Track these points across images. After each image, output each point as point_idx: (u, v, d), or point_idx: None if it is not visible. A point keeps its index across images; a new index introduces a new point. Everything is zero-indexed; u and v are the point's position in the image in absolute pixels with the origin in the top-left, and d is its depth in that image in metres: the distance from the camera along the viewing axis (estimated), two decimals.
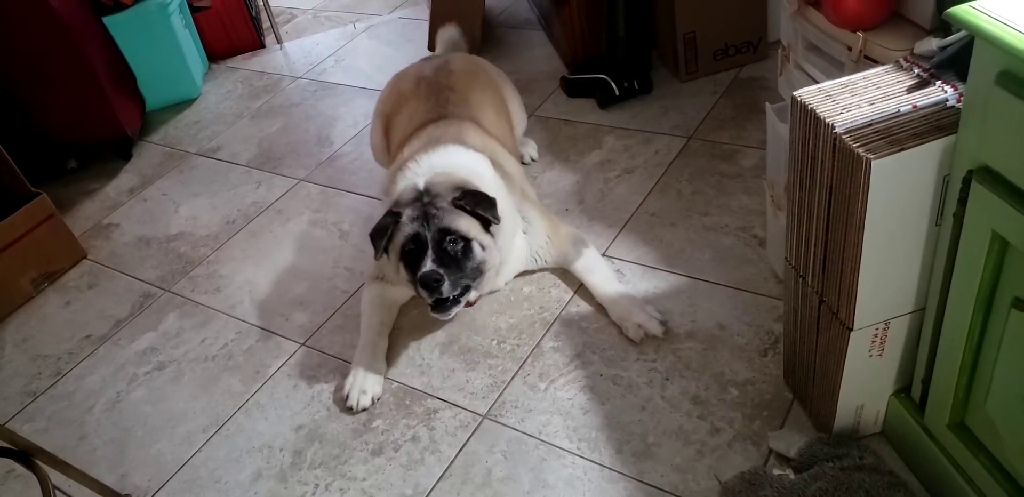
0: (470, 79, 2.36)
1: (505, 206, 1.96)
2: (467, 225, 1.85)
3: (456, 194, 1.87)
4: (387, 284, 2.07)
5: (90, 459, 1.87)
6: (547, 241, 2.09)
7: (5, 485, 1.87)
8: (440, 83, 2.30)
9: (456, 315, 1.94)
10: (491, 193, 1.91)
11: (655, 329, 1.87)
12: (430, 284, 1.76)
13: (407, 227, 1.84)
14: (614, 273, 2.05)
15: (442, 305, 1.83)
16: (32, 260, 2.43)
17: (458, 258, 1.83)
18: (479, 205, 1.86)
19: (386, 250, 1.90)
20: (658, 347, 1.86)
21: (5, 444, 1.47)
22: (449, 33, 2.84)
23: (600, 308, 1.98)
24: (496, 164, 2.09)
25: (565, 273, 2.11)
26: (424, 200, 1.87)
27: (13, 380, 2.16)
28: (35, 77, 2.78)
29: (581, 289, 2.06)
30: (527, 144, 2.59)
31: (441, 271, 1.77)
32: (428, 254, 1.80)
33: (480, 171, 2.00)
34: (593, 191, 2.39)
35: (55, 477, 1.51)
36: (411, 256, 1.84)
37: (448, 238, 1.83)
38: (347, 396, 1.87)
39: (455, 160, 2.01)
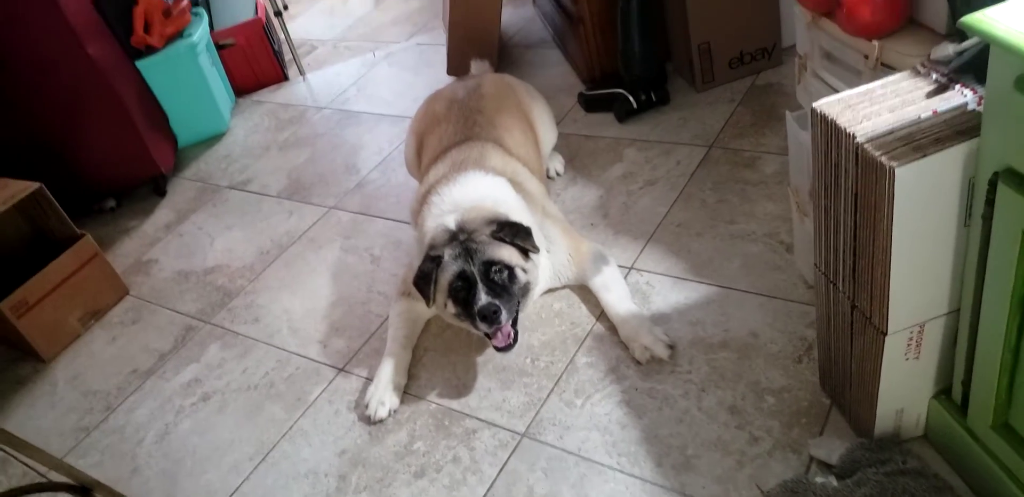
0: (499, 101, 2.43)
1: (530, 227, 1.99)
2: (508, 254, 1.90)
3: (493, 227, 1.92)
4: (414, 300, 2.11)
5: (143, 491, 1.92)
6: (568, 259, 2.12)
7: None
8: (470, 106, 2.39)
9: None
10: (520, 219, 1.97)
11: (661, 352, 1.88)
12: (489, 316, 1.81)
13: (451, 266, 1.88)
14: (630, 293, 2.06)
15: (497, 331, 1.86)
16: (79, 299, 2.50)
17: (506, 285, 1.89)
18: (517, 236, 1.92)
19: (433, 288, 1.94)
20: (692, 358, 1.87)
21: (67, 479, 1.52)
22: (483, 67, 2.92)
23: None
24: (516, 184, 2.13)
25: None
26: (460, 238, 1.92)
27: (67, 416, 2.22)
28: (73, 121, 2.86)
29: None
30: (554, 158, 2.63)
31: (496, 302, 1.82)
32: (480, 288, 1.84)
33: (503, 197, 2.05)
34: (617, 204, 2.41)
35: None
36: (460, 292, 1.88)
37: (494, 269, 1.88)
38: (366, 406, 1.95)
39: (477, 190, 2.05)
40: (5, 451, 2.04)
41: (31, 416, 2.25)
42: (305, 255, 2.60)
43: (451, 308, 1.91)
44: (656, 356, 1.88)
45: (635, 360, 1.90)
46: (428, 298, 1.92)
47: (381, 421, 1.93)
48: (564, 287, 2.17)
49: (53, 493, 1.92)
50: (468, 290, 1.86)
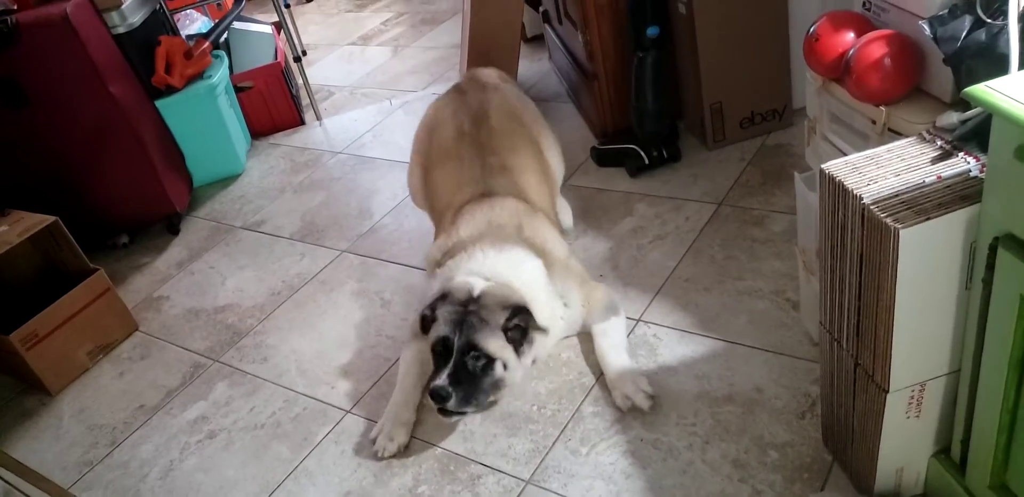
0: (509, 135, 2.39)
1: (548, 307, 2.03)
2: (496, 346, 1.89)
3: (506, 313, 1.91)
4: (425, 343, 2.12)
5: None
6: (581, 308, 2.15)
7: None
8: (481, 143, 2.34)
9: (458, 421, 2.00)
10: (543, 306, 2.01)
11: (641, 402, 1.91)
12: (435, 397, 1.83)
13: (441, 327, 1.91)
14: (627, 344, 2.08)
15: (446, 413, 1.88)
16: (89, 333, 2.53)
17: (476, 375, 1.87)
18: (524, 337, 1.94)
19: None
20: (697, 411, 1.89)
21: None
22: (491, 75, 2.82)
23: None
24: (545, 254, 2.12)
25: None
26: (469, 307, 1.91)
27: (71, 450, 2.23)
28: (91, 158, 2.93)
29: None
30: (564, 209, 2.60)
31: (450, 389, 1.82)
32: (447, 366, 1.85)
33: (534, 283, 2.04)
34: (626, 257, 2.46)
35: None
36: (437, 355, 1.91)
37: (472, 353, 1.87)
38: (374, 441, 1.97)
39: (516, 269, 2.03)
40: (7, 482, 2.05)
41: (35, 449, 2.26)
42: (316, 297, 2.64)
43: (433, 360, 1.96)
44: (636, 406, 1.91)
45: (617, 407, 1.94)
46: (424, 330, 2.00)
47: (391, 456, 1.94)
48: (575, 335, 2.20)
49: None
50: (443, 358, 1.89)
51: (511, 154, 2.35)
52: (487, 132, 2.38)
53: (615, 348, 2.05)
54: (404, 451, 1.96)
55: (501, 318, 1.90)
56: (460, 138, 2.39)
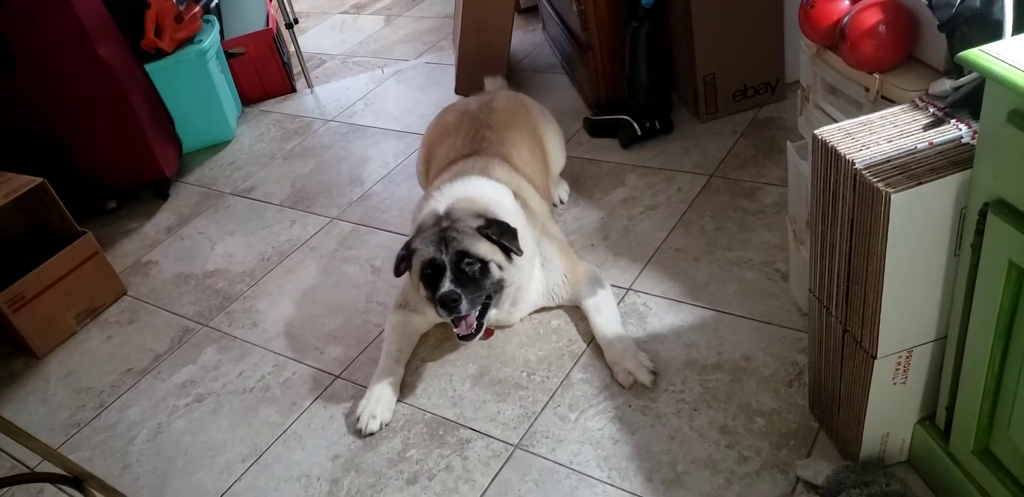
0: (509, 117, 2.46)
1: (525, 237, 2.03)
2: (486, 249, 1.93)
3: (481, 222, 1.96)
4: (411, 312, 2.14)
5: (133, 488, 1.92)
6: (563, 280, 2.15)
7: None
8: (480, 120, 2.42)
9: (479, 338, 1.99)
10: (511, 223, 2.00)
11: (644, 377, 1.91)
12: (448, 304, 1.85)
13: (424, 252, 1.93)
14: (620, 317, 2.09)
15: (460, 320, 1.91)
16: (76, 296, 2.52)
17: (476, 278, 1.92)
18: (503, 235, 1.95)
19: (408, 270, 2.01)
20: (686, 378, 1.90)
21: (60, 470, 1.53)
22: (497, 84, 2.97)
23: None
24: (519, 197, 2.17)
25: None
26: (443, 224, 1.96)
27: (58, 412, 2.23)
28: (80, 122, 2.90)
29: None
30: (560, 185, 2.65)
31: (459, 291, 1.85)
32: (446, 275, 1.88)
33: (501, 201, 2.09)
34: (618, 227, 2.46)
35: None
36: (429, 279, 1.93)
37: (465, 261, 1.91)
38: (357, 419, 1.96)
39: (476, 188, 2.11)
40: None
41: (22, 410, 2.26)
42: (306, 263, 2.63)
43: (422, 291, 1.97)
44: (639, 381, 1.91)
45: (618, 384, 1.93)
46: (396, 270, 2.00)
47: (371, 434, 1.94)
48: (557, 307, 2.20)
49: (39, 485, 1.95)
50: (436, 277, 1.90)
51: (507, 130, 2.40)
52: (488, 111, 2.46)
53: (611, 324, 2.05)
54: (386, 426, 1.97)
55: (476, 224, 1.95)
56: (462, 117, 2.48)
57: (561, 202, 2.62)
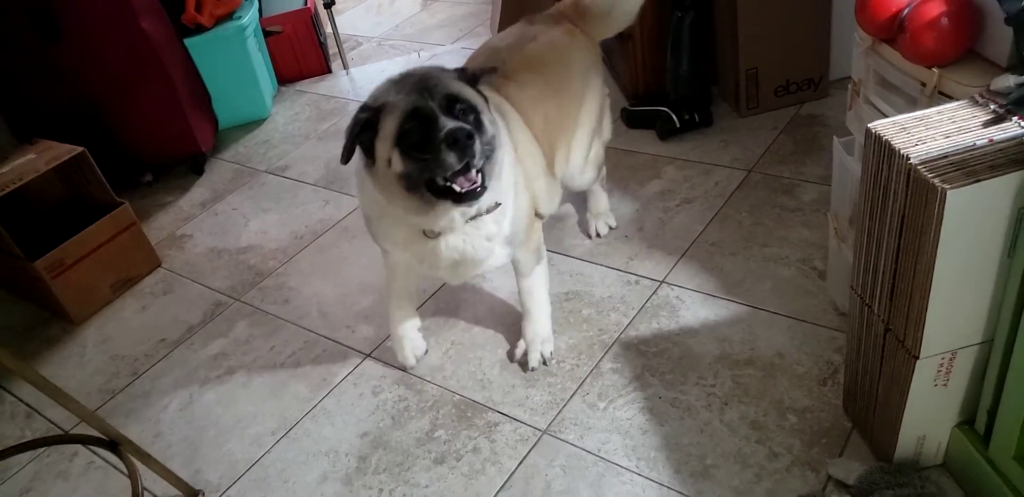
0: (538, 63, 1.99)
1: (504, 154, 1.66)
2: (472, 94, 1.58)
3: (455, 73, 1.61)
4: (386, 254, 1.94)
5: (165, 455, 1.94)
6: (525, 234, 1.88)
7: (86, 475, 1.95)
8: (502, 58, 1.97)
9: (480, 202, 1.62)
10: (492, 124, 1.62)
11: (533, 361, 2.01)
12: (462, 140, 1.44)
13: (400, 105, 1.49)
14: (549, 305, 2.06)
15: (458, 175, 1.51)
16: (113, 266, 2.54)
17: (471, 130, 1.48)
18: (483, 75, 1.63)
19: (368, 151, 1.56)
20: (717, 372, 1.89)
21: (97, 434, 1.55)
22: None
23: (657, 334, 2.03)
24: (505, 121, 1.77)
25: (625, 297, 2.16)
26: (414, 77, 1.56)
27: (94, 378, 2.26)
28: (121, 94, 2.92)
29: (640, 314, 2.10)
30: (602, 217, 2.41)
31: (467, 127, 1.46)
32: (440, 121, 1.47)
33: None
34: (652, 219, 2.44)
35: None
36: (414, 136, 1.48)
37: (457, 106, 1.52)
38: (397, 357, 2.08)
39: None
40: (26, 404, 2.08)
41: (58, 375, 2.28)
42: (338, 243, 2.64)
43: (397, 165, 1.51)
44: (527, 365, 2.00)
45: (519, 363, 2.04)
46: (347, 152, 1.55)
47: (412, 366, 2.07)
48: (505, 263, 1.92)
49: (73, 448, 1.97)
50: (425, 132, 1.47)
51: (526, 71, 1.96)
52: (518, 50, 2.01)
53: (543, 311, 2.04)
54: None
55: (454, 74, 1.61)
56: (485, 55, 2.07)
57: (598, 235, 2.42)
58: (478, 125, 1.53)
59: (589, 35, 2.16)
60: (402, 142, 1.49)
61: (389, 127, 1.50)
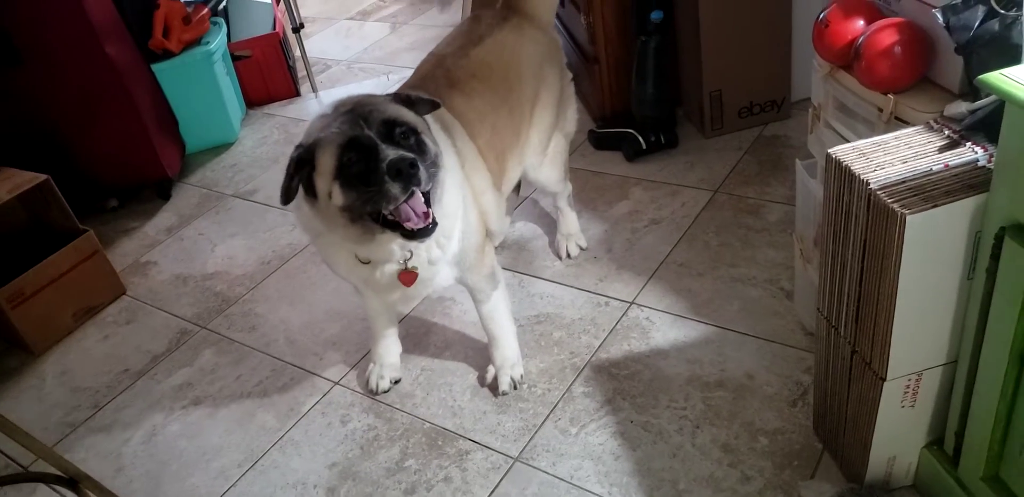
0: (488, 67, 1.94)
1: (451, 171, 1.64)
2: (414, 117, 1.55)
3: (391, 97, 1.58)
4: (362, 296, 1.98)
5: (127, 491, 1.90)
6: (476, 256, 1.83)
7: None
8: (447, 65, 1.93)
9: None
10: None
11: (503, 385, 2.00)
12: (405, 170, 1.40)
13: (336, 138, 1.45)
14: (511, 316, 2.03)
15: (406, 210, 1.48)
16: (75, 294, 2.49)
17: (414, 151, 1.47)
18: (420, 101, 1.59)
19: (308, 188, 1.52)
20: (688, 395, 1.89)
21: (55, 471, 1.51)
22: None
23: (628, 356, 2.03)
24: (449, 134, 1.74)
25: (595, 319, 2.16)
26: (342, 110, 1.50)
27: (53, 411, 2.20)
28: (84, 119, 2.88)
29: (611, 336, 2.10)
30: (572, 238, 2.42)
31: (410, 155, 1.42)
32: (380, 149, 1.43)
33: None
34: (621, 240, 2.45)
35: None
36: (353, 167, 1.44)
37: (397, 130, 1.48)
38: (367, 382, 2.08)
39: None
40: None
41: (15, 409, 2.23)
42: (306, 268, 2.61)
43: (338, 198, 1.47)
44: (498, 389, 2.00)
45: (491, 388, 2.03)
46: (287, 192, 1.51)
47: (384, 392, 2.06)
48: (458, 283, 1.88)
49: (32, 485, 1.92)
50: (366, 162, 1.43)
51: (472, 80, 1.91)
52: (463, 57, 1.95)
53: (508, 334, 2.02)
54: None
55: (391, 99, 1.57)
56: (430, 64, 1.99)
57: (569, 255, 2.41)
58: (420, 147, 1.51)
59: (539, 20, 2.11)
60: (342, 175, 1.46)
61: (327, 161, 1.46)
